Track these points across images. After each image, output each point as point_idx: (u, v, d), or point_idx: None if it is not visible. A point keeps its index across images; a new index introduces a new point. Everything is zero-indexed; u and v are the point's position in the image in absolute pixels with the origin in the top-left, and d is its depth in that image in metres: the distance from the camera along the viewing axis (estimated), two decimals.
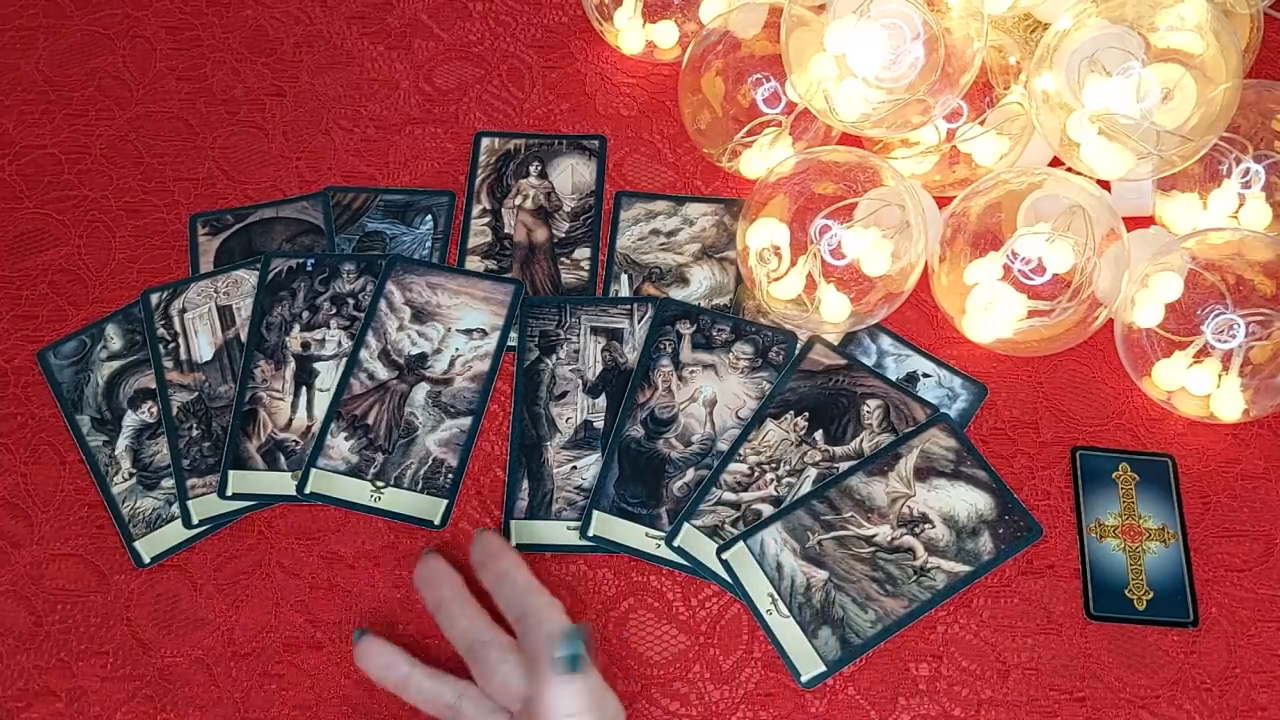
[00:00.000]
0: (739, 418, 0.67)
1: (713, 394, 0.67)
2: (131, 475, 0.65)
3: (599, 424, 0.67)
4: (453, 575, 0.59)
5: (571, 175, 0.76)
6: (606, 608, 0.62)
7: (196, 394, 0.68)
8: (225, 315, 0.70)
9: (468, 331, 0.70)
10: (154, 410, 0.67)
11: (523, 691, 0.53)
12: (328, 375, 0.68)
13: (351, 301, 0.71)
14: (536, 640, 0.53)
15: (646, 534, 0.63)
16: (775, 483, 0.64)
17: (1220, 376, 0.65)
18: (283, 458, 0.66)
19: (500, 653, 0.55)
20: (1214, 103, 0.65)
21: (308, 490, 0.65)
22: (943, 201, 0.71)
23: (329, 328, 0.70)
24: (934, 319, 0.71)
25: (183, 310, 0.70)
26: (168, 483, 0.65)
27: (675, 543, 0.63)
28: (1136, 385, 0.68)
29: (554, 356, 0.69)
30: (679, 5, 0.78)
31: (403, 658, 0.57)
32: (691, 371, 0.68)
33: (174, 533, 0.64)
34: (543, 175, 0.76)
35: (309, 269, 0.72)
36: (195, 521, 0.64)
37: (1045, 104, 0.68)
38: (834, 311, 0.68)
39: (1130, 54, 0.65)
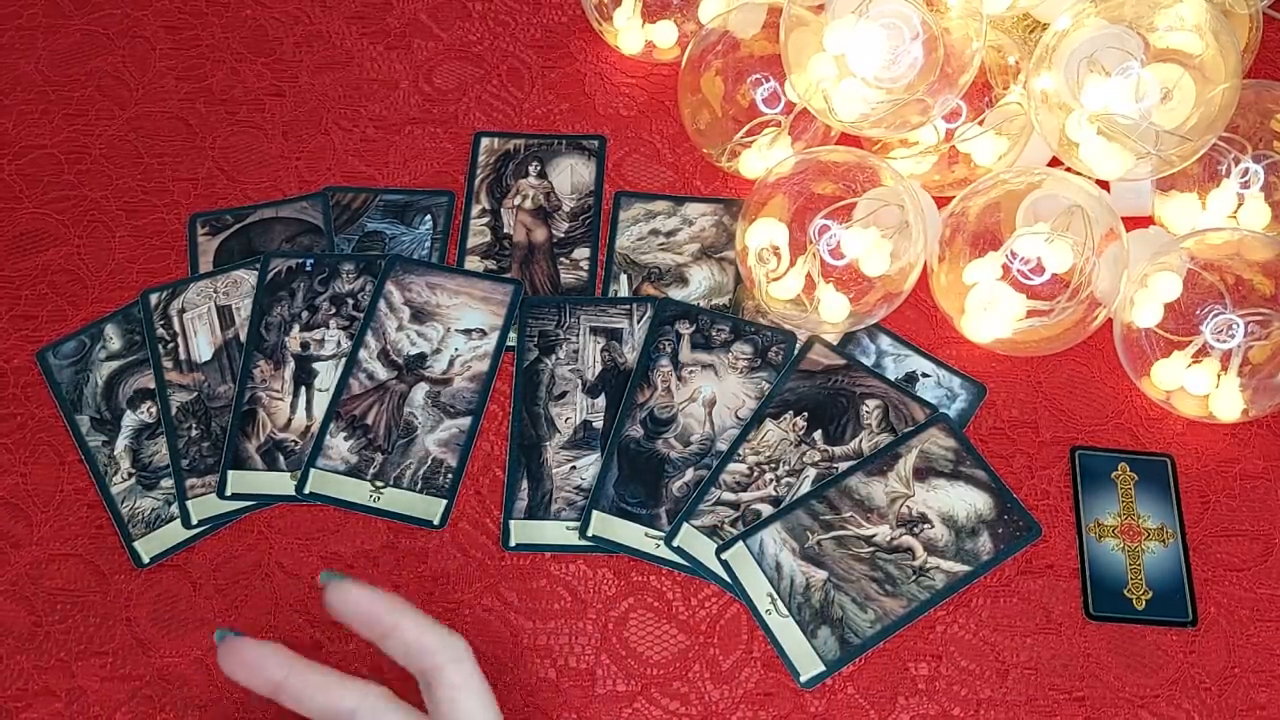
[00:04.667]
0: (738, 418, 0.67)
1: (712, 394, 0.67)
2: (131, 475, 0.65)
3: (598, 424, 0.67)
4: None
5: (571, 175, 0.76)
6: (606, 608, 0.62)
7: (196, 394, 0.68)
8: (224, 315, 0.70)
9: (467, 331, 0.70)
10: (153, 410, 0.67)
11: None
12: (327, 375, 0.68)
13: (351, 301, 0.71)
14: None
15: (646, 534, 0.63)
16: (774, 483, 0.64)
17: (1219, 376, 0.65)
18: (282, 458, 0.65)
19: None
20: (1213, 103, 0.65)
21: (307, 490, 0.64)
22: (942, 201, 0.71)
23: (328, 328, 0.70)
24: (933, 319, 0.71)
25: (182, 310, 0.70)
26: (167, 483, 0.65)
27: (675, 543, 0.63)
28: (1135, 385, 0.68)
29: (553, 356, 0.69)
30: (678, 5, 0.78)
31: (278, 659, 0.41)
32: (691, 371, 0.68)
33: (173, 533, 0.64)
34: (542, 175, 0.76)
35: (308, 269, 0.72)
36: (194, 521, 0.64)
37: (1044, 104, 0.68)
38: (833, 311, 0.67)
39: (1129, 54, 0.65)
